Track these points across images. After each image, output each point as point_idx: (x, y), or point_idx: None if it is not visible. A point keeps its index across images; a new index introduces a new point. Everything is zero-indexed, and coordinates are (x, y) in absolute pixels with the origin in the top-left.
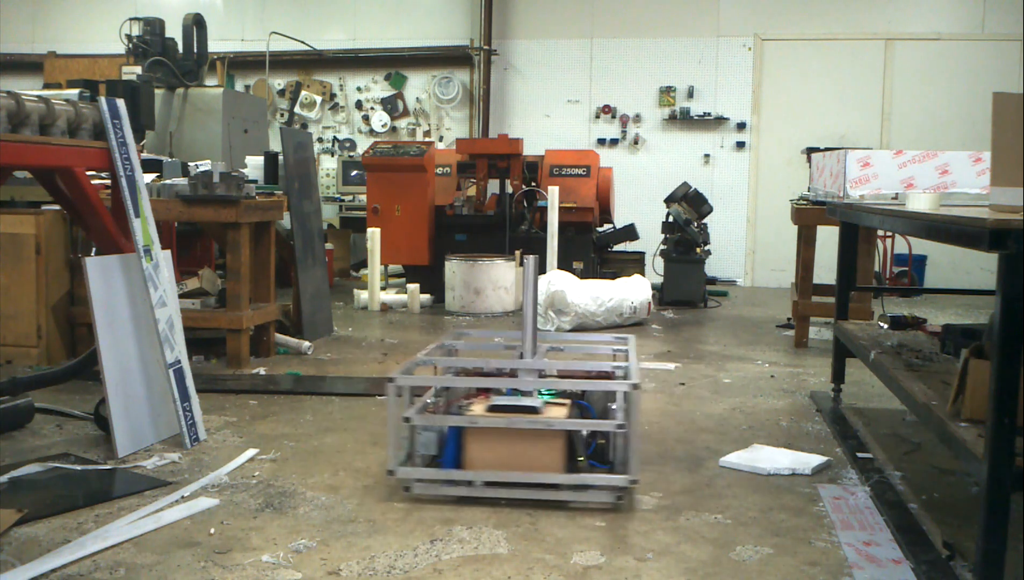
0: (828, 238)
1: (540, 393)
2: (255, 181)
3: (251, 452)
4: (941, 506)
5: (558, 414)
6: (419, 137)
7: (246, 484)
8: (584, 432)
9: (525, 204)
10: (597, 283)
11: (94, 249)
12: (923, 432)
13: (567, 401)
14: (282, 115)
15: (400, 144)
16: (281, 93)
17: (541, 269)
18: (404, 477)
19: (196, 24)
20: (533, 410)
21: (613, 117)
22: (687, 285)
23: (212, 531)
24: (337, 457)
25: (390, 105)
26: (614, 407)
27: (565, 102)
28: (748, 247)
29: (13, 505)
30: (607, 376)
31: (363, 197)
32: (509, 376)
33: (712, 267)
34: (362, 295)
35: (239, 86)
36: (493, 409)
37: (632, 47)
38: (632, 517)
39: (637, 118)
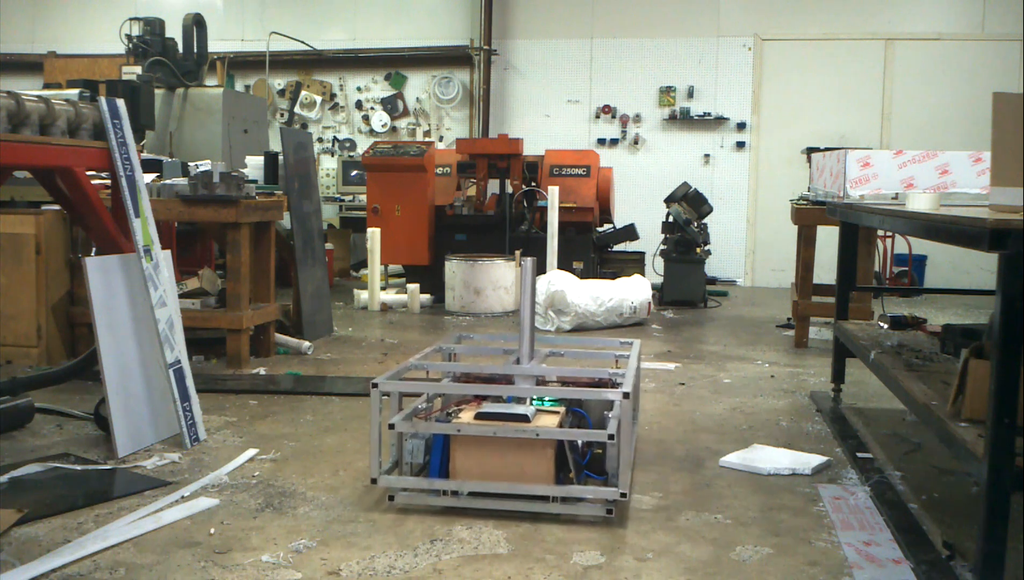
0: (828, 238)
1: (540, 400)
2: (255, 181)
3: (251, 452)
4: (941, 506)
5: (548, 423)
6: (419, 137)
7: (246, 484)
8: (579, 442)
9: (525, 204)
10: (597, 283)
11: (94, 249)
12: (923, 432)
13: (561, 409)
14: (282, 115)
15: (400, 144)
16: (281, 93)
17: (541, 269)
18: (388, 486)
19: (196, 24)
20: (523, 418)
21: (613, 117)
22: (687, 285)
23: (212, 531)
24: (337, 457)
25: (390, 105)
26: (611, 415)
27: (565, 102)
28: (748, 247)
29: (13, 505)
30: (605, 383)
31: (363, 197)
32: (505, 382)
33: (712, 267)
34: (362, 295)
35: (239, 86)
36: (481, 416)
37: (632, 47)
38: (632, 517)
39: (637, 118)
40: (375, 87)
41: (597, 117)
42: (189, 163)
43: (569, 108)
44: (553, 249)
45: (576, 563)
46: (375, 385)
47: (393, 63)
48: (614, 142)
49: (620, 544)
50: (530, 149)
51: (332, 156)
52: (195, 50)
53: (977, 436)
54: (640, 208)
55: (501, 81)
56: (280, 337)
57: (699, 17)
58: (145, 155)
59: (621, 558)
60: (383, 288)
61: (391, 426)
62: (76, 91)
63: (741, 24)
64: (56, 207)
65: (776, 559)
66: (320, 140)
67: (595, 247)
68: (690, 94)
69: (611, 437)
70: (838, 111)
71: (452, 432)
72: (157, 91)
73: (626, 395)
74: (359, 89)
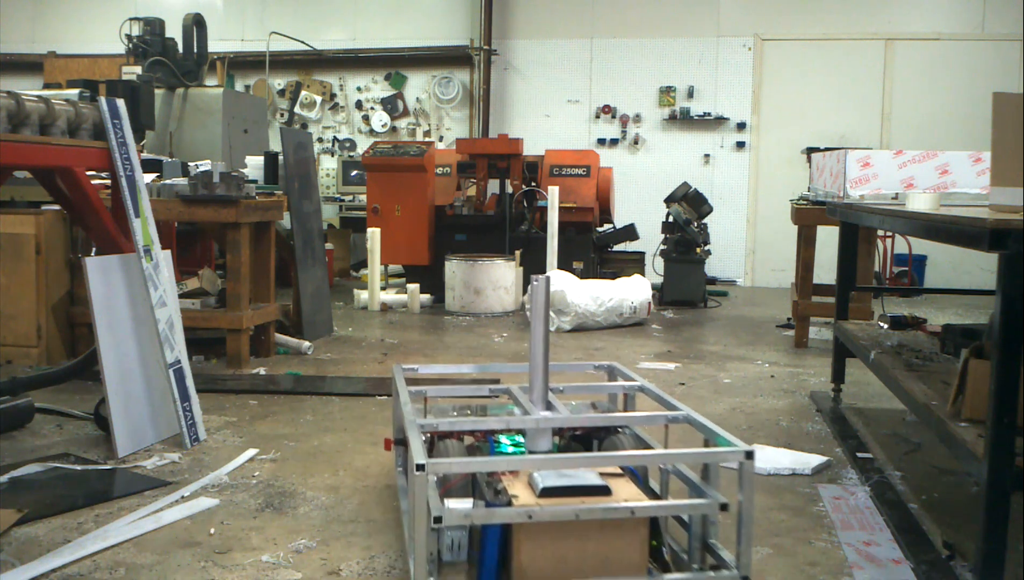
0: (828, 238)
1: (555, 446)
2: (255, 181)
3: (251, 452)
4: (941, 506)
5: (632, 494)
6: (419, 137)
7: (246, 484)
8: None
9: (525, 204)
10: (597, 283)
11: (94, 249)
12: (923, 432)
13: (615, 468)
14: (282, 115)
15: (400, 144)
16: (281, 93)
17: (541, 269)
18: None
19: (196, 24)
20: (603, 490)
21: (613, 117)
22: (687, 285)
23: (212, 531)
24: (337, 457)
25: (390, 105)
26: (667, 470)
27: (565, 102)
28: (748, 247)
29: (13, 505)
30: (615, 428)
31: (363, 197)
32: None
33: (712, 267)
34: (362, 295)
35: (239, 86)
36: (548, 493)
37: (632, 47)
38: None
39: (637, 118)
40: (375, 87)
41: (597, 117)
42: (189, 163)
43: (569, 108)
44: (553, 249)
45: None
46: (421, 467)
47: (393, 63)
48: (614, 142)
49: None
50: (530, 149)
51: (332, 156)
52: (195, 50)
53: (977, 436)
54: (640, 208)
55: (501, 81)
56: (280, 337)
57: (699, 17)
58: (145, 155)
59: None
60: (383, 288)
61: (437, 520)
62: (76, 91)
63: (741, 24)
64: (56, 207)
65: (776, 559)
66: (320, 140)
67: (595, 247)
68: (690, 94)
69: (723, 507)
70: (838, 111)
71: (522, 519)
72: (157, 91)
73: (749, 455)
74: (359, 89)
